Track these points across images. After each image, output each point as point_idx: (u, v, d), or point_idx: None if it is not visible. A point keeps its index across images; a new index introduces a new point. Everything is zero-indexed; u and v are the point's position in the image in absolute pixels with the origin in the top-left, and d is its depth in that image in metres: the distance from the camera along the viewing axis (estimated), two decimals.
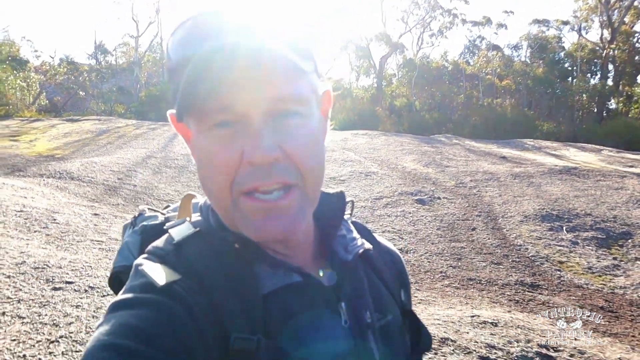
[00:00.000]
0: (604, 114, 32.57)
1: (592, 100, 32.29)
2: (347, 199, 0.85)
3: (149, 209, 1.02)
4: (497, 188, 9.98)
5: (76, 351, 3.04)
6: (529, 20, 50.41)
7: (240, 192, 0.64)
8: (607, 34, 33.58)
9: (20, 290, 3.78)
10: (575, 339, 4.14)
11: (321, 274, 0.76)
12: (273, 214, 0.64)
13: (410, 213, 8.34)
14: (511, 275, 6.07)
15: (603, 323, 4.96)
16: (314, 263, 0.78)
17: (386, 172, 11.04)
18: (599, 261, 6.70)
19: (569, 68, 36.52)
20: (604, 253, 6.99)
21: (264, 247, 0.70)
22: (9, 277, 3.97)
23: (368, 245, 0.82)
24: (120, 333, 0.56)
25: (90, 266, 4.41)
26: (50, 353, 2.98)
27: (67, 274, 4.16)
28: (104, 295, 3.85)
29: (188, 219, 0.79)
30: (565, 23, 37.53)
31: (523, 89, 31.24)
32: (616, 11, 33.29)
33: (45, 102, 31.34)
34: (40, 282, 3.98)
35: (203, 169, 0.67)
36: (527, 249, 7.01)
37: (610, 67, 34.94)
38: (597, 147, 17.79)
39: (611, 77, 35.70)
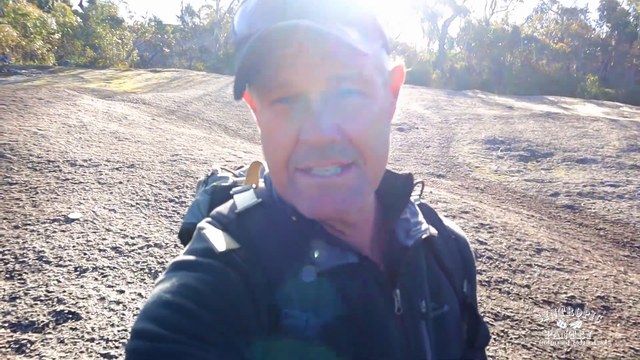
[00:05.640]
0: None
1: None
2: (416, 181, 0.82)
3: (222, 168, 1.07)
4: (473, 125, 12.19)
5: (124, 153, 6.04)
6: None
7: (295, 168, 0.65)
8: None
9: (101, 140, 6.89)
10: (431, 192, 6.65)
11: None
12: (327, 190, 0.64)
13: None
14: (429, 170, 8.57)
15: (470, 193, 7.39)
16: (373, 245, 0.77)
17: None
18: (508, 168, 8.99)
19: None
20: (518, 164, 9.24)
21: (321, 223, 0.71)
22: (96, 134, 7.11)
23: (433, 231, 0.80)
24: (180, 293, 0.59)
25: (140, 134, 7.48)
26: (113, 154, 6.03)
27: (126, 135, 7.26)
28: (142, 144, 6.88)
29: (254, 185, 0.82)
30: None
31: (581, 52, 31.62)
32: None
33: (137, 58, 35.69)
34: (112, 138, 7.07)
35: (264, 143, 0.69)
36: (457, 158, 9.41)
37: None
38: (619, 104, 18.93)
39: None
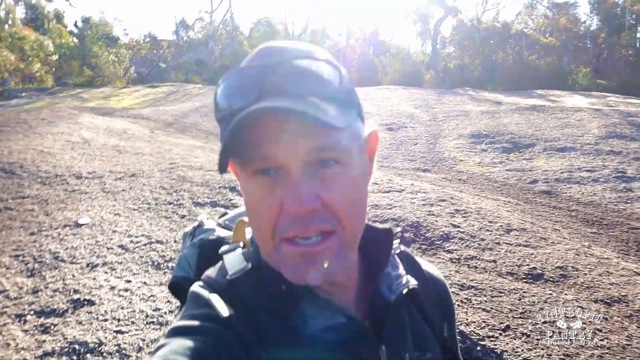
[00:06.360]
0: None
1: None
2: (397, 230, 0.88)
3: (207, 219, 1.10)
4: (460, 121, 12.64)
5: (126, 164, 6.51)
6: None
7: (281, 238, 0.68)
8: None
9: (104, 154, 7.37)
10: (412, 184, 7.09)
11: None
12: (311, 258, 0.68)
13: None
14: (415, 166, 9.02)
15: (452, 184, 7.82)
16: (358, 302, 0.81)
17: (377, 113, 13.98)
18: (491, 160, 9.43)
19: (633, 23, 36.44)
20: (501, 155, 9.68)
21: (310, 288, 0.74)
22: (99, 148, 7.59)
23: (413, 283, 0.84)
24: (184, 353, 0.62)
25: (140, 147, 7.96)
26: (116, 166, 6.49)
27: (127, 148, 7.74)
28: (142, 155, 7.35)
29: (242, 244, 0.86)
30: None
31: (570, 45, 32.12)
32: None
33: (134, 74, 36.30)
34: (114, 151, 7.55)
35: (249, 211, 0.73)
36: (443, 153, 9.86)
37: None
38: (607, 94, 19.35)
39: None
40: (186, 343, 0.64)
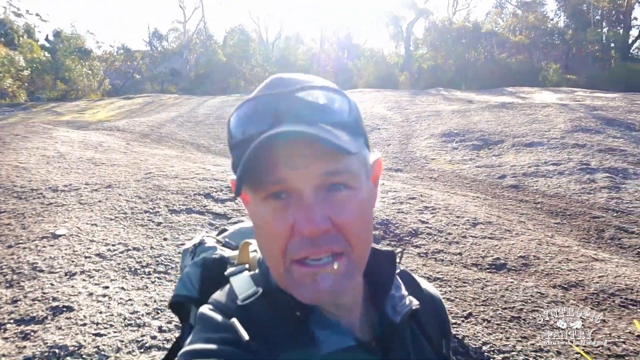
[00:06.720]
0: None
1: (607, 49, 33.42)
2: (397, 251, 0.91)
3: (207, 236, 1.12)
4: (432, 121, 12.92)
5: (102, 176, 6.60)
6: None
7: (292, 260, 0.70)
8: None
9: (79, 167, 7.43)
10: (383, 184, 7.28)
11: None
12: (321, 277, 0.70)
13: None
14: (388, 166, 9.24)
15: (423, 183, 8.05)
16: (363, 323, 0.83)
17: None
18: (462, 157, 9.70)
19: (598, 19, 37.41)
20: (471, 153, 9.95)
21: (321, 311, 0.78)
22: (74, 162, 7.65)
23: (415, 304, 0.87)
24: None
25: (116, 159, 8.04)
26: (92, 178, 6.58)
27: (102, 160, 7.82)
28: (118, 166, 7.43)
29: (247, 266, 0.89)
30: None
31: (539, 42, 32.85)
32: None
33: (109, 87, 36.08)
34: (90, 164, 7.62)
35: (259, 235, 0.75)
36: (415, 152, 10.10)
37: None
38: (575, 89, 19.86)
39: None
40: None
